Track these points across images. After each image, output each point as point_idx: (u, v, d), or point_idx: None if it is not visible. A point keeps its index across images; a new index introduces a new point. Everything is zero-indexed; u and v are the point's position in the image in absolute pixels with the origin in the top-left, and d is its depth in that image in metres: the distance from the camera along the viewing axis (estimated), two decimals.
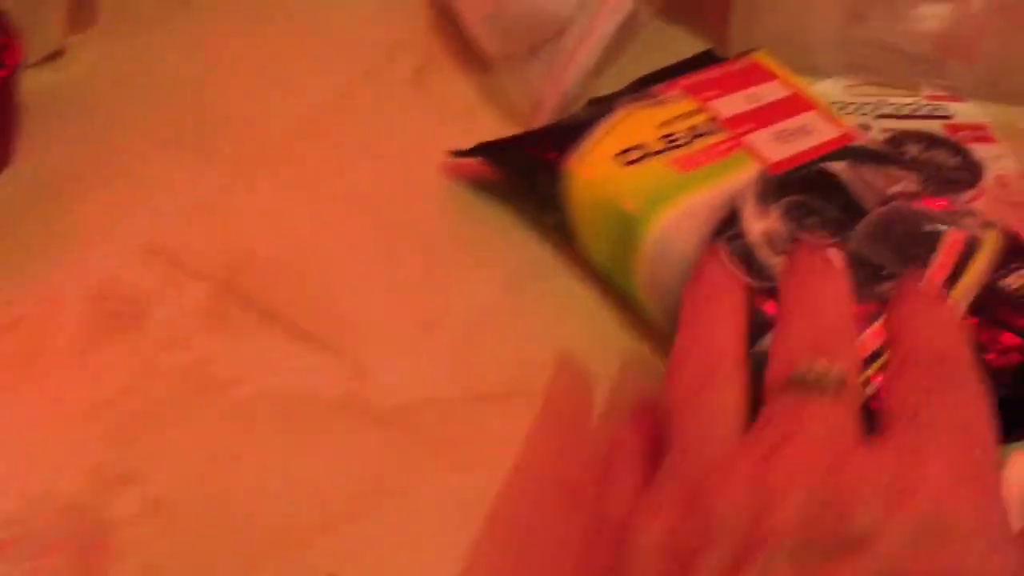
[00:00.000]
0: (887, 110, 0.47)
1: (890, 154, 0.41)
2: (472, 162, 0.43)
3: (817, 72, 0.49)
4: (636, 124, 0.41)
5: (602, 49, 0.45)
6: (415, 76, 0.50)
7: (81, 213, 0.42)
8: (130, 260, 0.41)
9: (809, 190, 0.37)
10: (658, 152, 0.40)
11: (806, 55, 0.49)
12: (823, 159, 0.40)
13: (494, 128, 0.45)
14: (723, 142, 0.40)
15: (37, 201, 0.43)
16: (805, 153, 0.40)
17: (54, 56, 0.48)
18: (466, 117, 0.48)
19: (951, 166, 0.44)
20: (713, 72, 0.44)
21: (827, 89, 0.48)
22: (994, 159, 0.45)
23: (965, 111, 0.48)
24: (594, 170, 0.40)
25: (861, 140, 0.41)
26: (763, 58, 0.45)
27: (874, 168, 0.38)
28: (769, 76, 0.44)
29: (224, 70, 0.49)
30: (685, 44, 0.51)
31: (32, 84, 0.46)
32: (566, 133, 0.41)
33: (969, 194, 0.43)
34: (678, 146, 0.40)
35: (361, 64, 0.50)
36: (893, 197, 0.37)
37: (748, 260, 0.34)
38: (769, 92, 0.43)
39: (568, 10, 0.44)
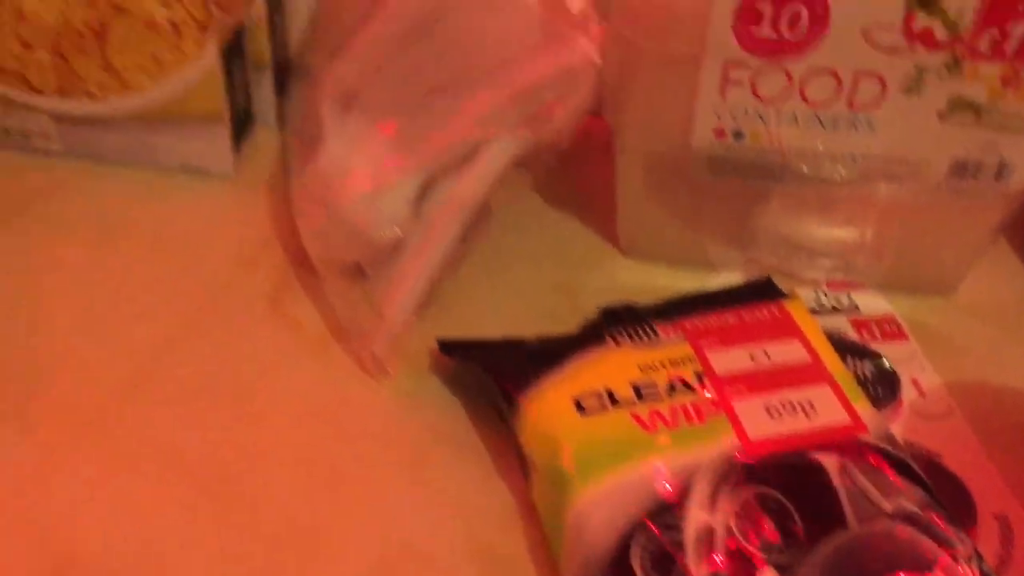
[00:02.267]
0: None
1: (901, 460, 0.34)
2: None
3: (712, 265, 0.46)
4: (615, 364, 0.36)
5: (436, 267, 0.40)
6: (271, 293, 0.44)
7: None
8: None
9: (785, 485, 0.32)
10: (624, 403, 0.35)
11: (699, 250, 0.46)
12: (817, 449, 0.33)
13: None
14: (704, 403, 0.35)
15: None
16: (797, 437, 0.34)
17: None
18: (326, 341, 0.42)
19: (868, 378, 0.40)
20: (730, 316, 0.39)
21: (725, 282, 0.45)
22: (907, 360, 0.42)
23: (871, 303, 0.45)
24: (547, 414, 0.35)
25: (873, 435, 0.35)
26: (795, 308, 0.40)
27: (876, 474, 0.33)
28: (791, 332, 0.38)
29: (57, 303, 0.42)
30: (572, 233, 0.48)
31: None
32: (540, 357, 0.37)
33: (888, 409, 0.40)
34: (649, 399, 0.35)
35: (212, 284, 0.44)
36: (887, 515, 0.31)
37: (665, 564, 0.29)
38: (783, 352, 0.37)
39: (392, 232, 0.40)
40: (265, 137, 0.52)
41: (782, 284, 0.44)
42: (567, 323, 0.42)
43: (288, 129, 0.51)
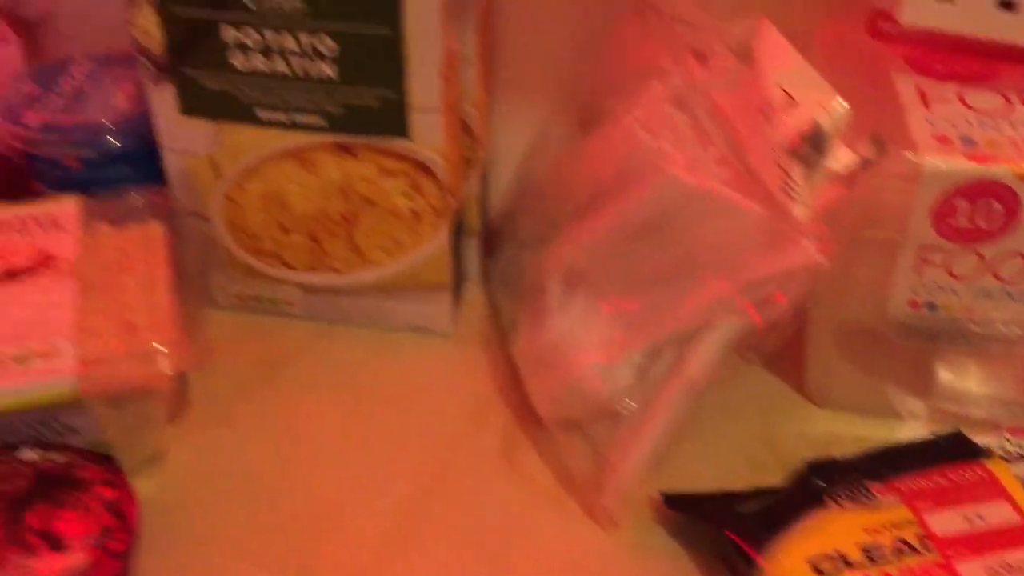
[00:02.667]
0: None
1: None
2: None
3: (898, 414, 0.50)
4: (841, 528, 0.40)
5: (665, 430, 0.44)
6: (503, 444, 0.49)
7: None
8: None
9: None
10: (857, 565, 0.38)
11: (886, 401, 0.50)
12: None
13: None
14: (930, 566, 0.38)
15: None
16: None
17: (152, 460, 0.47)
18: (557, 492, 0.46)
19: None
20: (938, 477, 0.42)
21: (914, 433, 0.49)
22: None
23: None
24: (787, 574, 0.39)
25: None
26: (998, 469, 0.43)
27: None
28: (999, 493, 0.41)
29: (317, 460, 0.48)
30: (765, 384, 0.52)
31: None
32: (769, 518, 0.41)
33: None
34: (880, 562, 0.38)
35: (448, 438, 0.49)
36: None
37: None
38: (995, 514, 0.40)
39: (624, 396, 0.44)
40: (473, 294, 0.58)
41: (966, 430, 0.48)
42: (773, 472, 0.46)
43: (496, 287, 0.57)
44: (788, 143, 0.39)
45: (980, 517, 0.40)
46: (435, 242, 0.51)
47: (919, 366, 0.48)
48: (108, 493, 0.41)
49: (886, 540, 0.39)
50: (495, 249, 0.58)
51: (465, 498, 0.47)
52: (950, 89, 0.44)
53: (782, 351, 0.52)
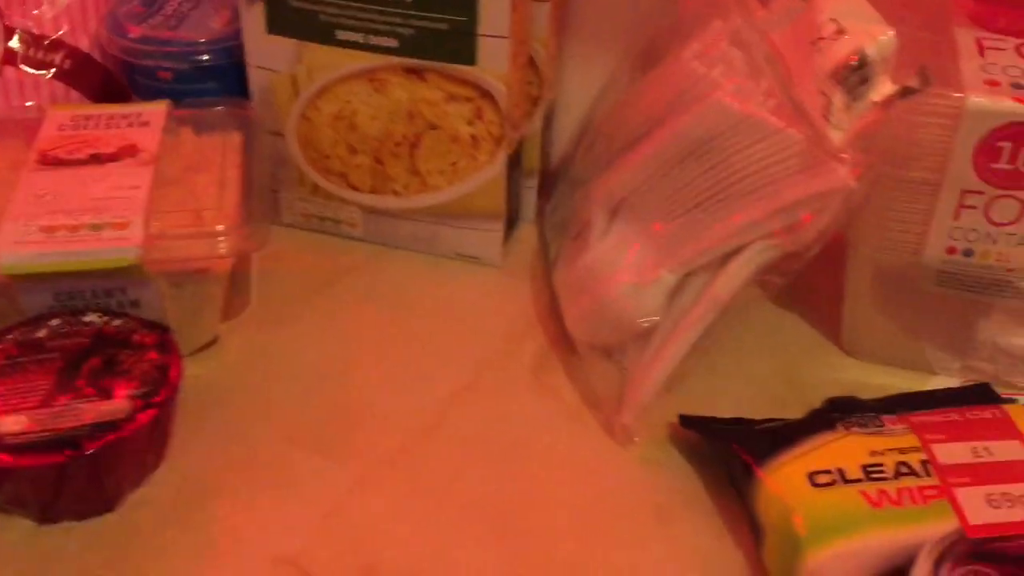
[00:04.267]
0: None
1: None
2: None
3: (931, 369, 0.50)
4: (846, 448, 0.41)
5: (685, 354, 0.46)
6: (535, 364, 0.51)
7: (217, 524, 0.43)
8: (259, 572, 0.41)
9: (1001, 567, 0.36)
10: (854, 481, 0.40)
11: (918, 354, 0.50)
12: None
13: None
14: (929, 488, 0.39)
15: (177, 510, 0.44)
16: (1017, 526, 0.38)
17: (208, 346, 0.51)
18: (580, 409, 0.49)
19: None
20: (955, 414, 0.43)
21: (943, 385, 0.49)
22: None
23: None
24: (783, 485, 0.40)
25: None
26: (1017, 412, 0.43)
27: None
28: (1012, 433, 0.42)
29: (359, 360, 0.51)
30: (799, 332, 0.53)
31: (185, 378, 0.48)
32: (776, 436, 0.42)
33: None
34: (878, 479, 0.39)
35: (485, 353, 0.52)
36: None
37: None
38: (1005, 451, 0.41)
39: (653, 316, 0.46)
40: (527, 232, 0.60)
41: (999, 391, 0.48)
42: (793, 410, 0.47)
43: (547, 226, 0.60)
44: (833, 69, 0.40)
45: (988, 451, 0.40)
46: (492, 169, 0.54)
47: (955, 321, 0.49)
48: (156, 356, 0.44)
49: (888, 462, 0.40)
50: (551, 191, 0.61)
51: (493, 406, 0.49)
52: (1010, 42, 0.45)
53: (820, 300, 0.53)
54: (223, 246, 0.46)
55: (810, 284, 0.53)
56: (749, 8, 0.46)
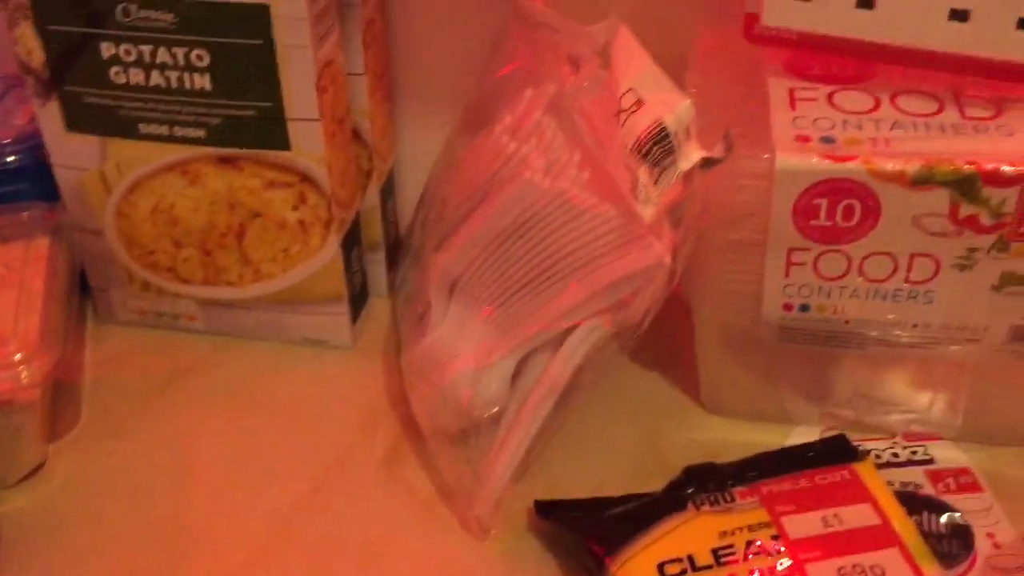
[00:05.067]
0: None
1: None
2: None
3: (791, 420, 0.49)
4: (696, 530, 0.40)
5: (531, 439, 0.44)
6: (387, 455, 0.49)
7: None
8: None
9: None
10: (704, 568, 0.38)
11: (778, 406, 0.49)
12: None
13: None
14: (780, 568, 0.38)
15: None
16: None
17: (33, 473, 0.47)
18: (434, 502, 0.46)
19: (942, 533, 0.43)
20: (803, 479, 0.42)
21: (802, 438, 0.48)
22: (983, 513, 0.44)
23: (946, 454, 0.47)
24: None
25: None
26: (865, 471, 0.43)
27: None
28: (863, 496, 0.41)
29: (200, 469, 0.48)
30: (661, 393, 0.52)
31: (7, 507, 0.45)
32: (628, 522, 0.41)
33: (962, 565, 0.42)
34: (729, 562, 0.38)
35: (334, 449, 0.49)
36: None
37: None
38: (854, 516, 0.40)
39: (494, 402, 0.45)
40: (379, 307, 0.58)
41: (860, 436, 0.47)
42: (655, 481, 0.45)
43: (398, 300, 0.57)
44: (636, 144, 0.38)
45: (838, 519, 0.39)
46: (327, 252, 0.51)
47: (808, 371, 0.48)
48: None
49: (738, 541, 0.39)
50: (399, 262, 0.58)
51: (342, 508, 0.46)
52: (821, 91, 0.44)
53: (679, 359, 0.52)
54: (25, 376, 0.43)
55: (669, 343, 0.52)
56: (562, 74, 0.45)
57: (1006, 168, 0.39)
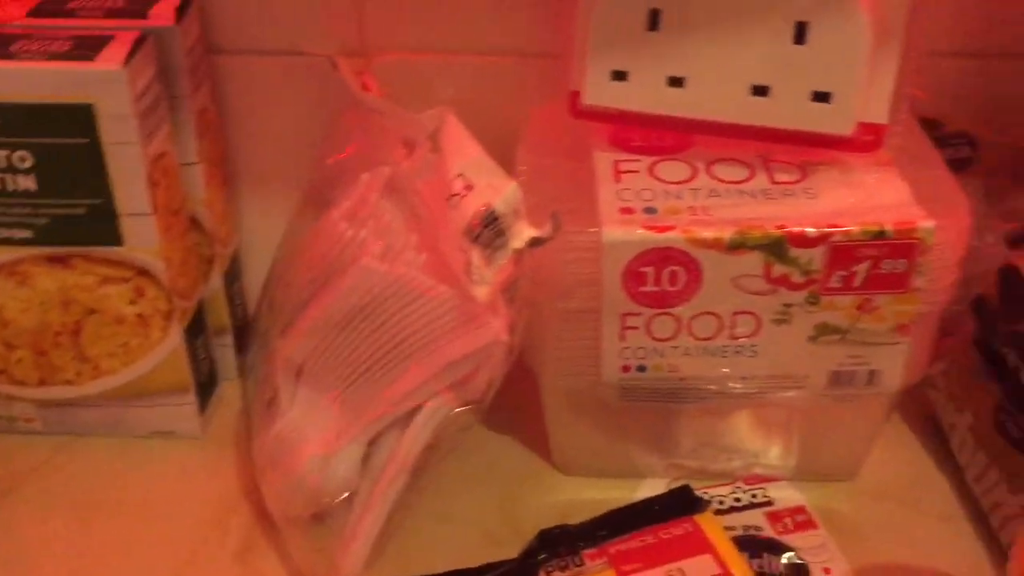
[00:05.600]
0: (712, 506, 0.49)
1: None
2: None
3: (640, 474, 0.51)
4: None
5: (383, 521, 0.45)
6: (240, 546, 0.48)
7: None
8: None
9: None
10: None
11: (626, 462, 0.51)
12: None
13: None
14: None
15: None
16: None
17: None
18: None
19: (782, 574, 0.45)
20: (649, 535, 0.43)
21: (650, 491, 0.50)
22: (818, 549, 0.47)
23: (783, 494, 0.50)
24: None
25: None
26: (707, 523, 0.44)
27: None
28: (703, 547, 0.42)
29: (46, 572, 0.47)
30: (514, 456, 0.53)
31: None
32: None
33: None
34: None
35: (188, 545, 0.48)
36: None
37: None
38: (696, 569, 0.41)
39: (344, 487, 0.45)
40: (230, 392, 0.57)
41: (705, 484, 0.49)
42: (510, 547, 0.46)
43: (248, 383, 0.57)
44: (467, 228, 0.40)
45: (682, 572, 0.41)
46: (169, 343, 0.50)
47: (651, 427, 0.50)
48: None
49: None
50: (248, 345, 0.58)
51: None
52: (643, 162, 0.47)
53: (528, 422, 0.53)
54: None
55: (519, 407, 0.53)
56: (397, 157, 0.46)
57: (810, 230, 0.42)
